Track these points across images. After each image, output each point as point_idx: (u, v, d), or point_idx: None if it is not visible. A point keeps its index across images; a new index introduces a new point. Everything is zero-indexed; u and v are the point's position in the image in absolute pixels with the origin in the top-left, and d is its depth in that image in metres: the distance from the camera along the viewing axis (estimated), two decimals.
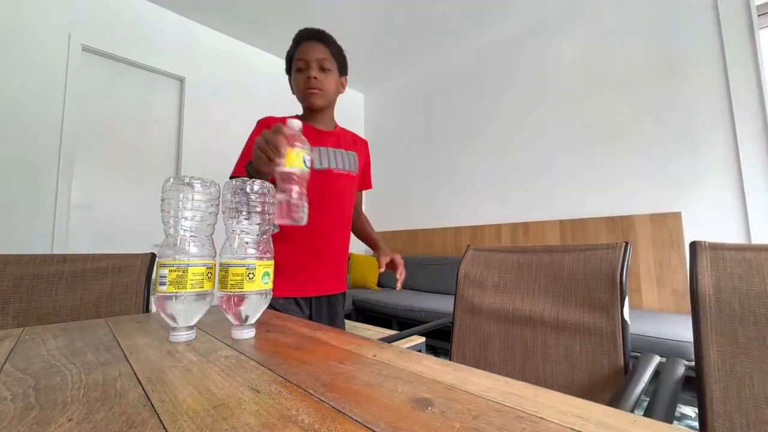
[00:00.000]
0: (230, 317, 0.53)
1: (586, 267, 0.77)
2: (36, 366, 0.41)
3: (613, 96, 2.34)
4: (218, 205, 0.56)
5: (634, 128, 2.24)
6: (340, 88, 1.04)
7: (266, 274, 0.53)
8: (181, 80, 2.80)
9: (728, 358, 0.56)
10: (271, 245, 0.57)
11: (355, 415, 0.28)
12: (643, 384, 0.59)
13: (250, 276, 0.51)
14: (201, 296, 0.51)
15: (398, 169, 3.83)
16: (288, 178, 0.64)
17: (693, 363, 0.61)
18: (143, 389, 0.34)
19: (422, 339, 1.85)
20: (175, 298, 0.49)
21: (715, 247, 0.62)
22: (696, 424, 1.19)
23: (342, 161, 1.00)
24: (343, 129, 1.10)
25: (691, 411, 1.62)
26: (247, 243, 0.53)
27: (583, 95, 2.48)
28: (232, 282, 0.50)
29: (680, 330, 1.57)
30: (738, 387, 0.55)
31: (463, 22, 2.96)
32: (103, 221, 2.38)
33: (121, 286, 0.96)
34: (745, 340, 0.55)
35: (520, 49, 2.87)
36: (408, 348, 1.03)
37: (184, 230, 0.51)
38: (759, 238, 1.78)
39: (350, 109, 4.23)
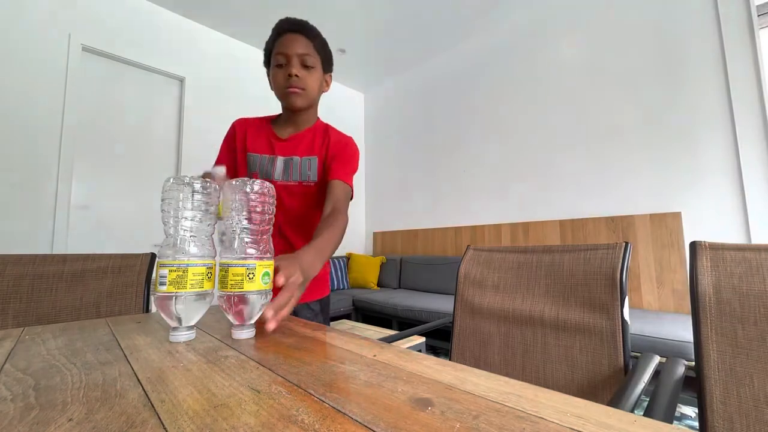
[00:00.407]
0: (230, 317, 0.53)
1: (586, 267, 0.77)
2: (36, 366, 0.41)
3: (613, 96, 2.34)
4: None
5: (634, 128, 2.24)
6: (324, 86, 0.94)
7: (266, 274, 0.53)
8: (181, 80, 2.80)
9: (728, 358, 0.56)
10: (271, 245, 0.57)
11: (355, 415, 0.28)
12: (643, 384, 0.59)
13: (250, 276, 0.51)
14: (201, 296, 0.51)
15: (398, 168, 3.83)
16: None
17: (693, 363, 0.61)
18: (143, 389, 0.34)
19: (422, 339, 1.85)
20: (175, 298, 0.49)
21: (715, 247, 0.62)
22: (696, 424, 1.19)
23: (293, 171, 0.91)
24: (317, 128, 0.96)
25: (691, 411, 1.62)
26: (247, 243, 0.53)
27: (583, 95, 2.48)
28: (232, 282, 0.50)
29: (680, 330, 1.57)
30: (738, 387, 0.55)
31: (463, 22, 2.96)
32: (103, 221, 2.38)
33: (121, 286, 0.96)
34: (745, 340, 0.55)
35: (520, 49, 2.87)
36: (408, 348, 1.04)
37: (184, 230, 0.52)
38: (759, 238, 1.78)
39: (350, 109, 4.23)
